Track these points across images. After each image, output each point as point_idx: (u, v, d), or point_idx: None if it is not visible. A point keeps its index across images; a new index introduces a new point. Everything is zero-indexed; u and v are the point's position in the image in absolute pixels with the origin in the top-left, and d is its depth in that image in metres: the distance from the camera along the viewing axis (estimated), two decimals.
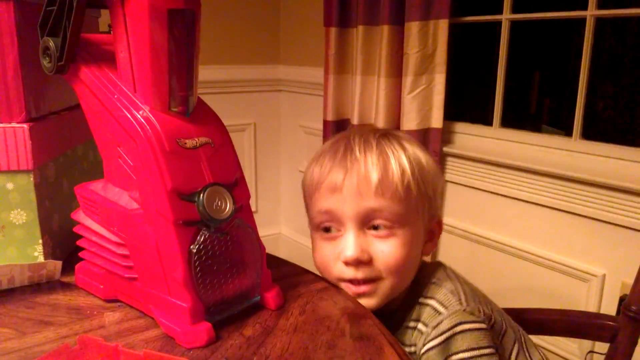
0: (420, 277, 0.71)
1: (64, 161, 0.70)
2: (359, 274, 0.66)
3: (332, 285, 0.65)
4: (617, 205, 1.39)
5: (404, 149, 0.67)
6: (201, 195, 0.52)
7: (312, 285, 0.65)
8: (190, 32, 0.52)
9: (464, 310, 0.64)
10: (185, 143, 0.52)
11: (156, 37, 0.50)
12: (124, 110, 0.52)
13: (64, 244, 0.69)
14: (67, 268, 0.64)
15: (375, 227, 0.65)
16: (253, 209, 0.71)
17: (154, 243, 0.52)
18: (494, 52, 1.78)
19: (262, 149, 2.63)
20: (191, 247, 0.51)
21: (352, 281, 0.67)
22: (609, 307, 1.43)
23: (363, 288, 0.66)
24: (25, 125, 0.61)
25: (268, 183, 2.69)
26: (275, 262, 0.71)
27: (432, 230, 0.71)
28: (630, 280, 0.88)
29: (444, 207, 1.81)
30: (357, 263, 0.65)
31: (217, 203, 0.53)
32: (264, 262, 0.58)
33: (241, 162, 0.70)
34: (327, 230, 0.69)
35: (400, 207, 0.65)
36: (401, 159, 0.66)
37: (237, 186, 0.56)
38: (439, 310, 0.66)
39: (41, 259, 0.64)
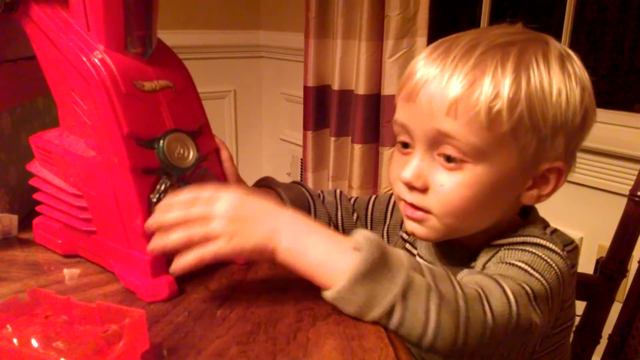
0: (516, 227, 0.60)
1: (21, 113, 0.66)
2: (409, 197, 0.57)
3: None
4: (594, 169, 1.38)
5: (524, 67, 0.52)
6: (161, 141, 0.49)
7: None
8: None
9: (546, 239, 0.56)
10: (143, 85, 0.49)
11: None
12: (77, 51, 0.48)
13: (24, 200, 0.66)
14: (28, 225, 0.61)
15: (446, 155, 0.54)
16: None
17: (111, 192, 0.49)
18: (476, 16, 1.74)
19: (243, 117, 2.57)
20: (151, 196, 0.48)
21: (409, 203, 0.58)
22: (586, 270, 1.44)
23: (416, 214, 0.57)
24: None
25: (249, 151, 2.64)
26: None
27: (543, 175, 0.57)
28: (607, 243, 0.87)
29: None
30: (410, 187, 0.57)
31: (179, 151, 0.51)
32: None
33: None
34: (405, 145, 0.58)
35: (479, 138, 0.52)
36: (502, 78, 0.51)
37: (201, 134, 0.53)
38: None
39: None
